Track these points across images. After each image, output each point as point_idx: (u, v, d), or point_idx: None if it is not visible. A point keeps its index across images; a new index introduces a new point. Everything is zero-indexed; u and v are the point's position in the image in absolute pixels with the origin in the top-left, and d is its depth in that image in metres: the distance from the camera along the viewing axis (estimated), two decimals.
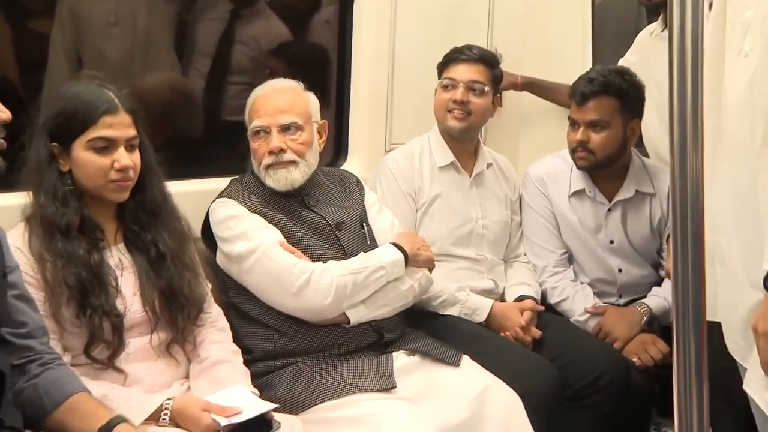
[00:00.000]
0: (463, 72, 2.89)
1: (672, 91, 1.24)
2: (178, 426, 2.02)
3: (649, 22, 3.29)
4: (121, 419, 1.88)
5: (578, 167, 2.96)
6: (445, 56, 2.95)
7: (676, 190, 1.25)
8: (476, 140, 3.03)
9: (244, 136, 2.64)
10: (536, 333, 2.78)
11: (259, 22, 3.39)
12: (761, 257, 1.75)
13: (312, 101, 2.64)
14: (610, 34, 3.70)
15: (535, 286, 2.96)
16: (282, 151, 2.51)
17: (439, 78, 2.95)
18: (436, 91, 2.95)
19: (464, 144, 2.98)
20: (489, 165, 3.04)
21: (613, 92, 2.85)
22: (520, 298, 2.88)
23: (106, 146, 2.11)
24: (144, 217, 2.23)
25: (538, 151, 3.29)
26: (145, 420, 2.00)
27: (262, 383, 2.34)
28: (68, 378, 1.94)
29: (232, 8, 3.32)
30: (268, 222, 2.50)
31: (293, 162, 2.53)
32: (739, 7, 1.84)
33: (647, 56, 3.02)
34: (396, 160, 2.95)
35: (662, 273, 3.00)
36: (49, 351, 1.95)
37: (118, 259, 2.19)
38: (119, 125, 2.12)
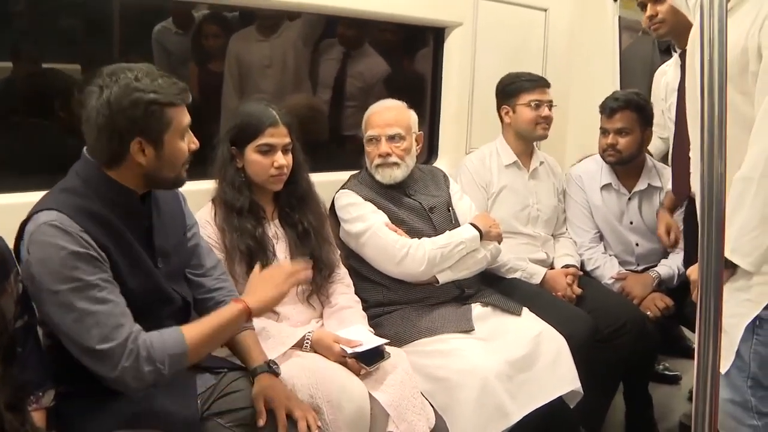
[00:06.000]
0: (546, 95, 2.86)
1: (703, 109, 1.24)
2: (315, 352, 2.07)
3: (662, 60, 3.25)
4: (263, 369, 1.84)
5: (607, 163, 2.95)
6: (530, 81, 2.86)
7: (705, 183, 1.23)
8: (532, 145, 2.99)
9: (355, 144, 2.62)
10: (577, 291, 2.77)
11: (364, 59, 3.30)
12: None
13: (412, 116, 2.60)
14: (631, 67, 3.64)
15: (576, 257, 2.94)
16: (388, 155, 2.51)
17: (515, 98, 2.85)
18: (515, 109, 2.87)
19: (524, 147, 2.93)
20: (541, 163, 3.00)
21: (633, 107, 2.86)
22: (566, 266, 2.87)
23: (269, 150, 2.15)
24: (294, 202, 2.25)
25: (576, 154, 3.27)
26: (292, 346, 2.05)
27: (375, 324, 2.35)
28: None
29: (344, 50, 3.26)
30: (377, 207, 2.50)
31: (396, 164, 2.52)
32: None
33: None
34: (472, 160, 2.92)
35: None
36: (221, 288, 1.93)
37: (275, 231, 2.23)
38: (278, 135, 2.16)
